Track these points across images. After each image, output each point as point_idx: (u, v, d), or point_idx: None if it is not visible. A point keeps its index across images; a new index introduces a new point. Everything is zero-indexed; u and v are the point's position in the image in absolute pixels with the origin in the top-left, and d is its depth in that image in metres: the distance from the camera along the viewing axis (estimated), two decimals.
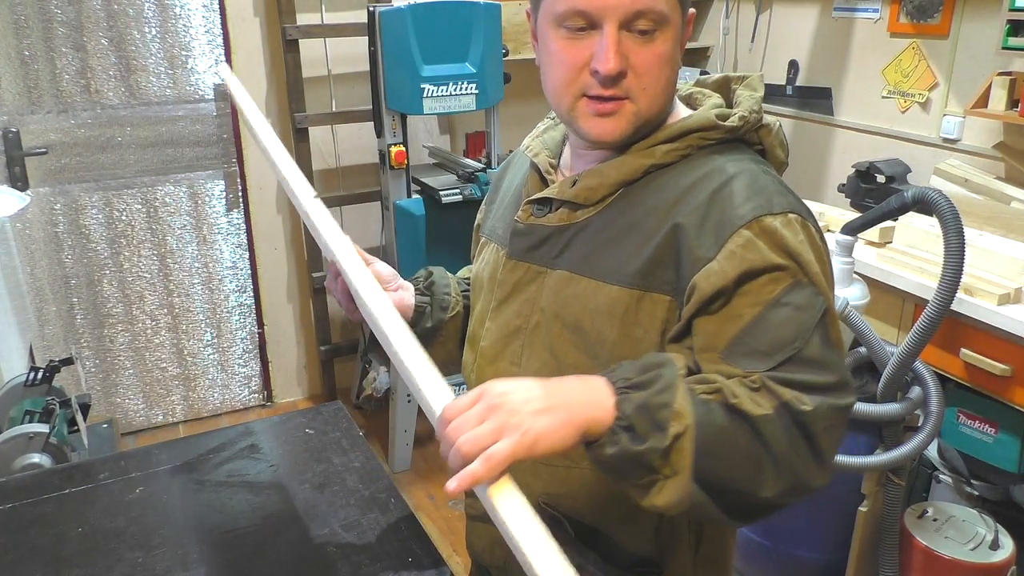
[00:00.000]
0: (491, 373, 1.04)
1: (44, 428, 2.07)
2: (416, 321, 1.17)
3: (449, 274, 1.25)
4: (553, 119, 1.13)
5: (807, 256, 0.87)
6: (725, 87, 1.04)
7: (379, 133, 2.88)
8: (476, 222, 1.23)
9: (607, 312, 0.93)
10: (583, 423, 0.77)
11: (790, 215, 0.88)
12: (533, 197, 1.02)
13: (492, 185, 1.21)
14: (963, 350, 2.03)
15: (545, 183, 1.04)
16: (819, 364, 0.84)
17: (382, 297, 0.96)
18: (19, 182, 2.78)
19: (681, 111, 1.00)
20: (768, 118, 1.00)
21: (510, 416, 0.74)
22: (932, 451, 2.30)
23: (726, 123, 0.95)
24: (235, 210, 3.25)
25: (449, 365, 1.18)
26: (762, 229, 0.86)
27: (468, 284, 1.20)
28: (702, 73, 2.06)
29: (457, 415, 0.76)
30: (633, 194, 0.95)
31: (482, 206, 1.22)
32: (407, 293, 1.16)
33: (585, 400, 0.78)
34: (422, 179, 3.00)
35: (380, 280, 1.10)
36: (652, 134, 0.96)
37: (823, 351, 0.85)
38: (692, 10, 0.95)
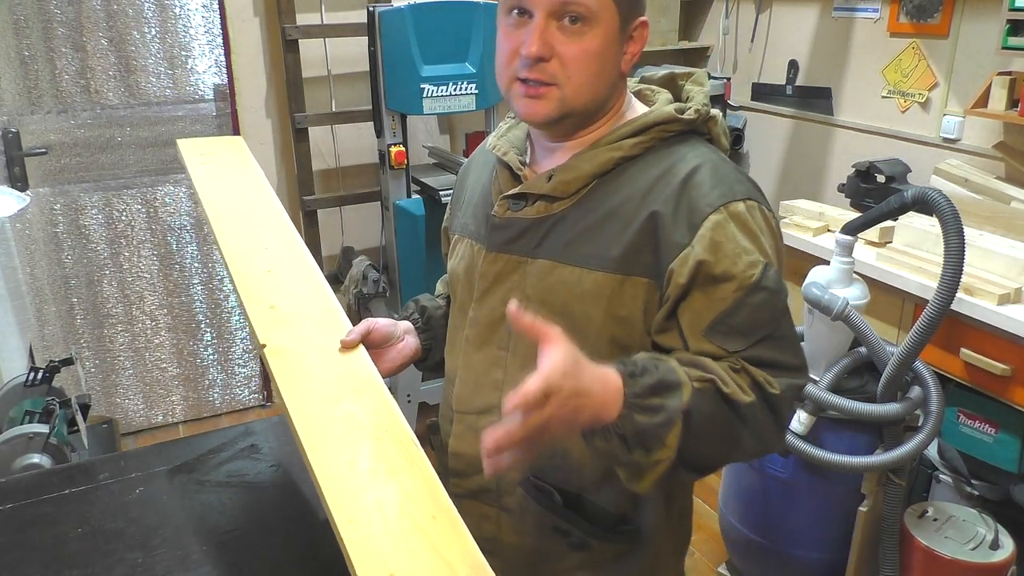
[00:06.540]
0: (479, 359, 1.11)
1: (44, 428, 2.07)
2: (426, 357, 1.26)
3: (436, 299, 1.31)
4: (513, 118, 1.19)
5: (770, 239, 0.99)
6: (672, 83, 1.14)
7: (379, 133, 2.88)
8: (443, 224, 1.30)
9: (593, 296, 1.01)
10: (589, 422, 0.86)
11: (749, 201, 0.99)
12: (510, 193, 1.08)
13: (456, 187, 1.27)
14: (963, 350, 2.03)
15: (517, 179, 1.10)
16: (789, 344, 0.97)
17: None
18: (19, 182, 2.78)
19: (637, 106, 1.09)
20: (714, 111, 1.10)
21: (565, 421, 0.82)
22: (932, 451, 2.30)
23: (684, 116, 1.04)
24: None
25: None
26: (730, 214, 0.96)
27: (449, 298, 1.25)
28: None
29: (558, 391, 0.79)
30: (606, 185, 1.03)
31: (448, 209, 1.29)
32: (412, 339, 1.24)
33: (600, 404, 0.86)
34: (422, 179, 3.00)
35: (382, 340, 1.18)
36: (609, 127, 1.04)
37: (791, 331, 0.99)
38: (643, 18, 1.02)
